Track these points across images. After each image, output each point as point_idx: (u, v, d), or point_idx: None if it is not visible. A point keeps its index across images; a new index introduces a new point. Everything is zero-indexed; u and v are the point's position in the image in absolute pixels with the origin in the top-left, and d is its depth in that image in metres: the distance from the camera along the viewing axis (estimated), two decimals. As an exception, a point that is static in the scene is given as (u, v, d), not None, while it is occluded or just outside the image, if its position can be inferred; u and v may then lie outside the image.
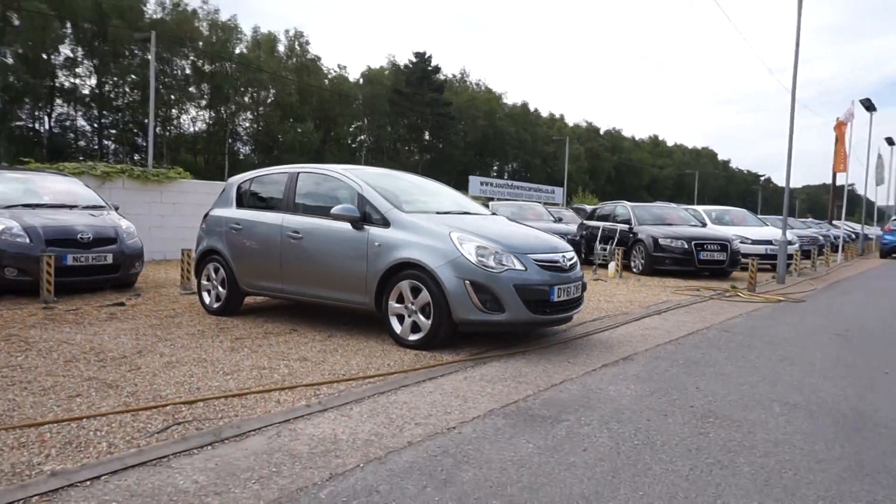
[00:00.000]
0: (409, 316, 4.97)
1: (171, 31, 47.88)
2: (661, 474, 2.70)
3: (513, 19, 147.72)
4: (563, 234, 10.32)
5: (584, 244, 13.87)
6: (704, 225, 13.57)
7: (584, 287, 5.52)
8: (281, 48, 61.27)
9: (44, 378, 3.84)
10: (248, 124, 60.20)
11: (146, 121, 49.42)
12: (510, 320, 4.79)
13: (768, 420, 3.49)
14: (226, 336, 5.29)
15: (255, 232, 6.08)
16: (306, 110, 59.55)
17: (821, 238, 19.65)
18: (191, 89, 55.21)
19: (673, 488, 2.56)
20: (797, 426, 3.40)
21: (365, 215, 5.29)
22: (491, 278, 4.73)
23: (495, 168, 78.30)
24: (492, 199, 24.36)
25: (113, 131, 53.29)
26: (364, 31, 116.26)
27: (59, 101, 49.94)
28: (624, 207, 13.90)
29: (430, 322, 4.84)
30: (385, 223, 5.18)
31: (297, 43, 61.53)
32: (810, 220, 30.25)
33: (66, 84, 49.55)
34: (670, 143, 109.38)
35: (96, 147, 52.10)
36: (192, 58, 54.11)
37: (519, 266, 4.87)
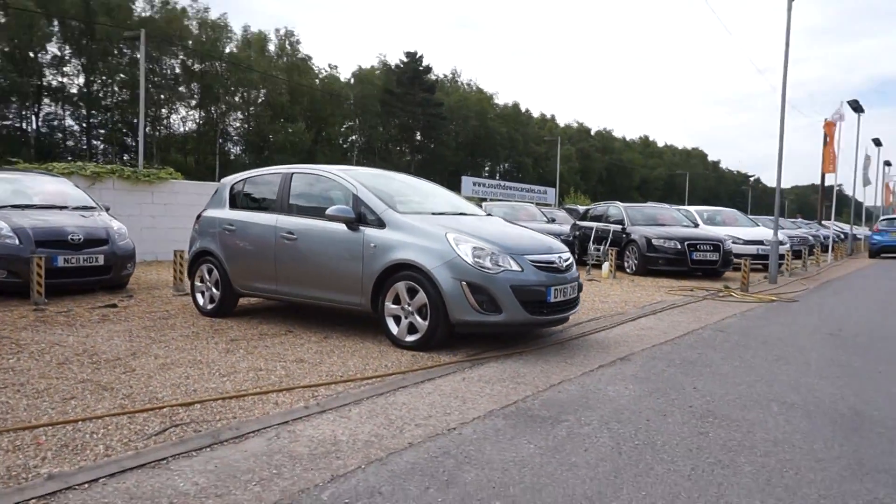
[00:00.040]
0: (406, 317, 4.96)
1: (159, 30, 47.53)
2: (663, 474, 2.70)
3: (504, 19, 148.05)
4: (556, 235, 10.30)
5: (577, 245, 13.90)
6: (696, 225, 13.64)
7: (580, 288, 5.52)
8: (271, 47, 61.02)
9: (37, 380, 3.79)
10: (238, 124, 59.90)
11: (135, 120, 49.10)
12: (507, 321, 4.78)
13: (767, 420, 3.50)
14: (221, 337, 5.25)
15: (249, 233, 6.03)
16: (297, 110, 59.32)
17: (811, 238, 19.81)
18: (180, 89, 54.83)
19: (675, 488, 2.56)
20: (796, 425, 3.41)
21: (360, 216, 5.27)
22: (487, 279, 4.72)
23: (487, 168, 78.34)
24: (484, 200, 24.35)
25: (102, 131, 52.83)
26: (355, 30, 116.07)
27: (46, 100, 49.46)
28: (616, 208, 13.95)
29: (426, 323, 4.83)
30: (380, 224, 5.16)
31: (287, 42, 61.31)
32: (800, 220, 30.48)
33: (54, 83, 49.11)
34: (661, 144, 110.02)
35: (85, 147, 51.63)
36: (181, 57, 53.75)
37: (515, 267, 4.86)
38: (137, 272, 9.04)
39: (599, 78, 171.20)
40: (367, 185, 5.49)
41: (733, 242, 12.94)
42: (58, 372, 4.01)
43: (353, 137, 68.11)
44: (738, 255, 12.56)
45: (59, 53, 48.58)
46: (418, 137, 69.62)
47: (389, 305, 5.04)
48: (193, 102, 56.40)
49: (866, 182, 25.36)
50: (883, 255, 22.00)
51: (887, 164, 37.72)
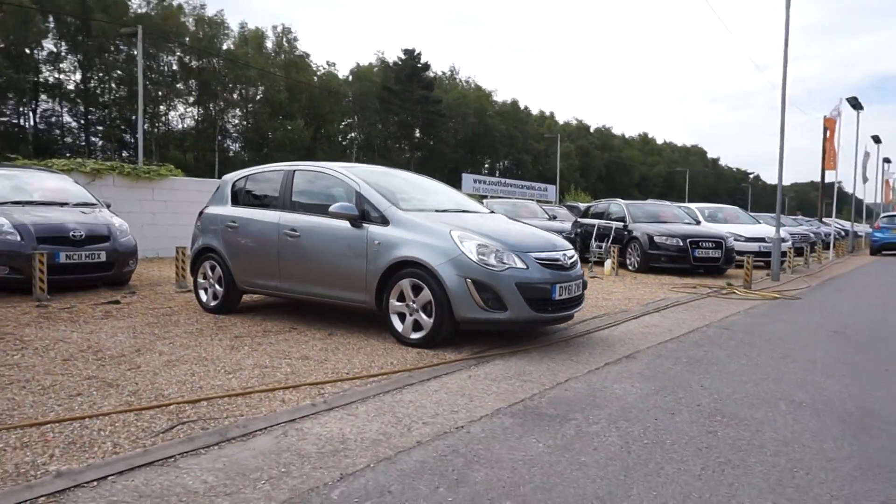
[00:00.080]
0: (411, 314, 4.94)
1: (156, 27, 47.40)
2: (673, 474, 2.68)
3: (502, 16, 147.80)
4: (558, 232, 10.30)
5: (578, 242, 13.89)
6: (698, 223, 13.64)
7: (584, 285, 5.51)
8: (269, 44, 60.88)
9: (42, 377, 3.77)
10: (237, 121, 59.80)
11: (133, 117, 48.99)
12: (512, 319, 4.76)
13: (775, 418, 3.49)
14: (225, 334, 5.23)
15: (252, 230, 6.01)
16: (295, 107, 59.22)
17: (812, 235, 19.82)
18: (178, 86, 54.73)
19: (686, 488, 2.55)
20: (805, 424, 3.40)
21: (363, 213, 5.25)
22: (493, 277, 4.71)
23: (486, 166, 78.33)
24: (485, 197, 24.35)
25: (100, 128, 52.73)
26: (352, 27, 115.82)
27: (43, 96, 49.33)
28: (618, 205, 13.93)
29: (431, 320, 4.81)
30: (384, 221, 5.14)
31: (285, 39, 61.17)
32: (800, 217, 30.50)
33: (51, 79, 48.97)
34: (660, 141, 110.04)
35: (83, 144, 51.52)
36: (178, 54, 53.61)
37: (520, 264, 4.84)
38: (139, 269, 9.02)
39: (599, 75, 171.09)
40: (371, 183, 5.47)
41: (735, 240, 12.94)
42: (63, 368, 3.99)
43: (352, 135, 68.04)
44: (741, 253, 12.56)
45: (55, 50, 48.44)
46: (417, 135, 69.54)
47: (394, 303, 5.02)
48: (191, 99, 56.31)
49: (865, 179, 25.38)
50: (884, 252, 22.03)
51: (887, 160, 37.74)
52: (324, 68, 65.83)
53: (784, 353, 5.21)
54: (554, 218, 15.72)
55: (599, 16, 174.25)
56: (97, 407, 3.26)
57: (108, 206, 8.51)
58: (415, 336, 4.91)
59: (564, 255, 5.25)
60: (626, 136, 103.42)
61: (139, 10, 50.27)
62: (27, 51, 45.87)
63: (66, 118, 51.82)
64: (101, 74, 50.88)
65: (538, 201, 21.97)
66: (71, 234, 7.15)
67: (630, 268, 12.45)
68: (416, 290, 4.89)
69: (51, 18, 46.46)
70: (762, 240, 13.76)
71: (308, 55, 63.00)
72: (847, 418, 3.54)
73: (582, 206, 20.73)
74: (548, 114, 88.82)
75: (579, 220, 15.28)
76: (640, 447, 2.98)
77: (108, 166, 11.67)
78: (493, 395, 3.72)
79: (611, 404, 3.65)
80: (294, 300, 6.38)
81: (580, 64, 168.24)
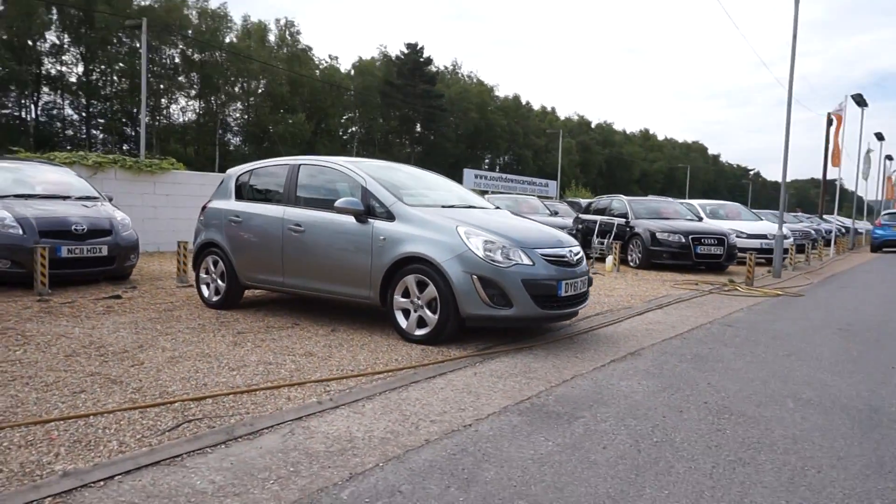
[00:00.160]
0: (416, 311, 4.91)
1: (159, 19, 47.22)
2: (684, 473, 2.66)
3: (505, 11, 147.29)
4: (559, 228, 10.27)
5: (579, 238, 13.85)
6: (700, 219, 13.59)
7: (590, 282, 5.49)
8: (272, 38, 60.69)
9: (45, 373, 3.75)
10: (238, 115, 59.66)
11: (135, 110, 48.94)
12: (518, 315, 4.73)
13: (784, 416, 3.47)
14: (227, 330, 5.21)
15: (256, 224, 5.98)
16: (297, 101, 59.06)
17: (813, 232, 19.78)
18: (180, 78, 54.57)
19: (698, 487, 2.53)
20: (813, 422, 3.38)
21: (369, 209, 5.21)
22: (499, 273, 4.68)
23: (487, 161, 78.19)
24: (486, 192, 24.29)
25: (101, 120, 52.60)
26: (355, 21, 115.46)
27: (45, 88, 49.21)
28: (620, 201, 13.89)
29: (436, 317, 4.78)
30: (390, 217, 5.11)
31: (287, 33, 60.96)
32: (801, 214, 30.46)
33: (53, 72, 48.83)
34: (661, 137, 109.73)
35: (84, 136, 51.42)
36: (181, 46, 53.44)
37: (526, 261, 4.81)
38: (140, 263, 8.99)
39: (600, 71, 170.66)
40: (376, 178, 5.43)
41: (737, 236, 12.91)
42: (66, 364, 3.96)
43: (354, 129, 67.87)
44: (742, 250, 12.53)
45: (57, 42, 48.30)
46: (418, 129, 69.41)
47: (398, 299, 4.99)
48: (193, 92, 56.17)
49: (866, 174, 25.32)
50: (885, 249, 21.99)
51: (889, 158, 37.70)
52: (326, 62, 65.71)
53: (789, 351, 5.19)
54: (555, 214, 15.66)
55: (601, 12, 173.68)
56: (101, 404, 3.24)
57: (110, 200, 8.47)
58: (419, 333, 4.89)
59: (570, 251, 5.22)
60: (627, 131, 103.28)
61: (143, 3, 50.07)
62: (30, 42, 45.72)
63: (68, 111, 51.74)
64: (103, 67, 50.76)
65: (539, 197, 21.91)
66: (73, 227, 7.11)
67: (631, 264, 12.42)
68: (422, 286, 4.86)
69: (54, 10, 46.29)
70: (764, 237, 13.72)
71: (310, 49, 62.87)
72: (856, 416, 3.52)
73: (583, 202, 20.68)
74: (549, 109, 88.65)
75: (581, 216, 15.23)
76: (649, 445, 2.95)
77: (110, 159, 11.61)
78: (499, 393, 3.69)
79: (618, 402, 3.63)
80: (297, 296, 6.35)
81: (582, 60, 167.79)
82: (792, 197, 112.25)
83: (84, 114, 51.69)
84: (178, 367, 4.01)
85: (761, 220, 15.56)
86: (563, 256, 5.10)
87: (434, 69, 69.76)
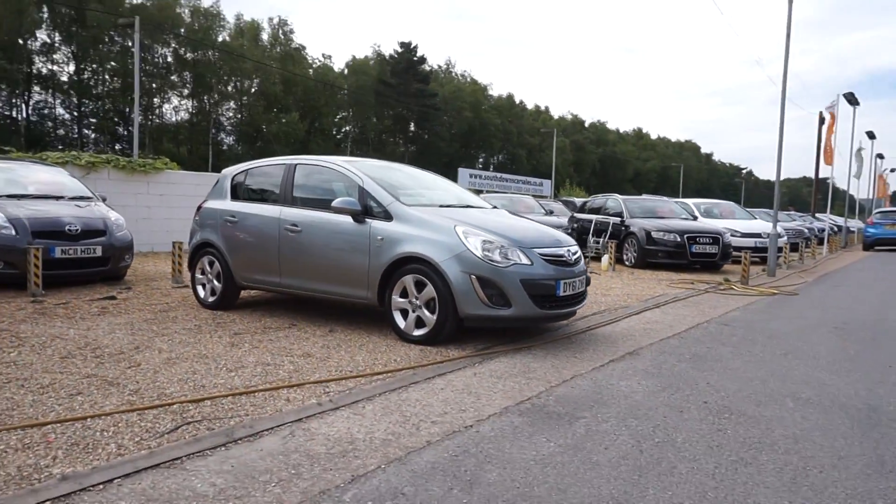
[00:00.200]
0: (414, 311, 4.89)
1: (151, 17, 46.94)
2: (686, 473, 2.66)
3: (498, 10, 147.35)
4: (555, 228, 10.28)
5: (575, 237, 13.86)
6: (695, 218, 13.63)
7: (588, 281, 5.48)
8: (265, 36, 60.49)
9: (41, 375, 3.71)
10: (231, 114, 59.43)
11: (127, 109, 48.63)
12: (517, 315, 4.72)
13: (784, 416, 3.47)
14: (224, 331, 5.17)
15: (252, 225, 5.94)
16: (291, 100, 58.89)
17: (806, 231, 19.87)
18: (173, 78, 54.31)
19: (701, 488, 2.52)
20: (813, 422, 3.39)
21: (366, 208, 5.19)
22: (497, 273, 4.66)
23: (481, 160, 78.22)
24: (481, 192, 24.29)
25: (93, 120, 52.28)
26: (349, 20, 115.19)
27: (36, 87, 48.87)
28: (615, 200, 13.91)
29: (435, 317, 4.76)
30: (387, 216, 5.08)
31: (280, 31, 60.84)
32: (793, 212, 30.61)
33: (44, 70, 48.49)
34: (654, 136, 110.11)
35: (76, 136, 51.11)
36: (173, 45, 53.17)
37: (525, 260, 4.80)
38: (134, 264, 8.92)
39: (594, 70, 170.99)
40: (373, 177, 5.41)
41: (731, 235, 12.95)
42: (61, 366, 3.92)
43: (347, 128, 67.77)
44: (737, 249, 12.58)
45: (48, 40, 47.96)
46: (412, 128, 69.37)
47: (397, 299, 4.97)
48: (186, 92, 55.91)
49: (858, 173, 25.46)
50: (877, 247, 22.13)
51: (880, 156, 37.94)
52: (319, 61, 65.58)
53: (787, 350, 5.20)
54: (551, 213, 15.68)
55: (595, 10, 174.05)
56: (99, 406, 3.20)
57: (104, 200, 8.42)
58: (417, 333, 4.87)
59: (568, 251, 5.21)
60: (621, 130, 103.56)
61: (134, 1, 49.76)
62: (20, 41, 45.37)
63: (59, 110, 51.43)
64: (94, 66, 50.44)
65: (534, 196, 21.92)
66: (66, 228, 7.06)
67: (627, 263, 12.44)
68: (420, 286, 4.85)
69: (45, 8, 45.95)
70: (758, 235, 13.78)
71: (304, 48, 62.79)
72: (855, 415, 3.53)
73: (578, 201, 20.71)
74: (543, 108, 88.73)
75: (576, 215, 15.25)
76: (651, 446, 2.95)
77: (103, 159, 11.53)
78: (499, 394, 3.68)
79: (618, 402, 3.62)
80: (294, 296, 6.32)
81: (575, 58, 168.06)
82: (784, 195, 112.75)
83: (76, 113, 51.38)
84: (175, 368, 3.97)
85: (755, 218, 15.62)
86: (562, 256, 5.09)
87: (428, 68, 69.75)
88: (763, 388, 4.01)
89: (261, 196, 6.18)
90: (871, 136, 32.15)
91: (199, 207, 6.59)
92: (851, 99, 24.01)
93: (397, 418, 3.19)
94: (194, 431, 2.90)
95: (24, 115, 49.16)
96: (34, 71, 47.67)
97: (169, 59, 53.81)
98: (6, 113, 48.09)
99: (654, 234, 11.93)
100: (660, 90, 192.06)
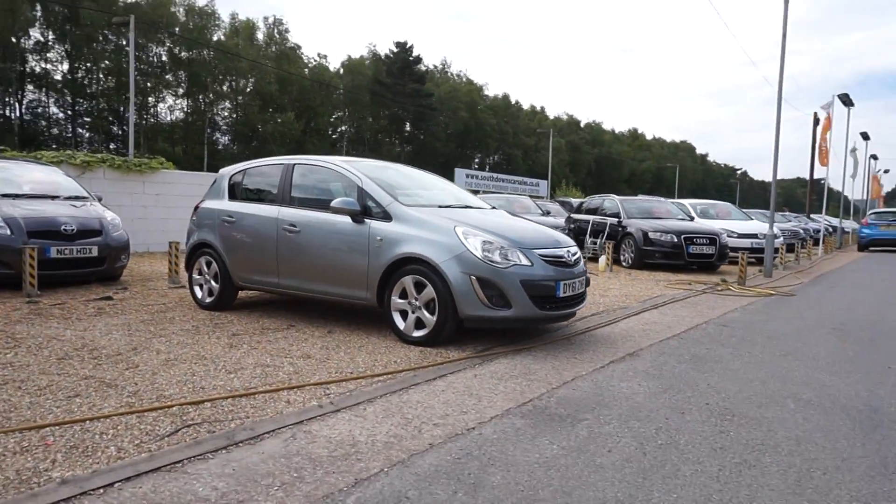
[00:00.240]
0: (413, 312, 4.87)
1: (146, 16, 46.70)
2: (690, 476, 2.65)
3: (494, 10, 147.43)
4: (552, 228, 10.27)
5: (572, 238, 13.85)
6: (692, 219, 13.65)
7: (587, 282, 5.47)
8: (260, 36, 60.29)
9: (38, 377, 3.67)
10: (226, 114, 59.20)
11: (122, 108, 48.40)
12: (517, 316, 4.71)
13: (785, 417, 3.47)
14: (222, 332, 5.14)
15: (250, 225, 5.91)
16: (286, 100, 58.72)
17: (801, 231, 19.94)
18: (167, 77, 54.06)
19: (706, 490, 2.51)
20: (815, 423, 3.38)
21: (365, 209, 5.17)
22: (497, 274, 4.65)
23: (477, 160, 78.21)
24: (478, 192, 24.28)
25: (87, 119, 52.00)
26: (344, 20, 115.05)
27: (30, 86, 48.55)
28: (612, 201, 13.92)
29: (434, 318, 4.74)
30: (386, 217, 5.06)
31: (276, 31, 60.62)
32: (788, 213, 30.71)
33: (37, 69, 48.20)
34: (649, 137, 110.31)
35: (70, 135, 50.83)
36: (168, 44, 52.94)
37: (525, 261, 4.79)
38: (130, 264, 8.86)
39: (590, 70, 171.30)
40: (372, 177, 5.38)
41: (728, 236, 12.98)
42: (58, 368, 3.89)
43: (343, 128, 67.60)
44: (733, 249, 12.60)
45: (42, 39, 47.67)
46: (408, 128, 69.28)
47: (396, 300, 4.95)
48: (181, 91, 55.65)
49: (855, 173, 25.57)
50: (872, 248, 22.23)
51: (874, 157, 38.14)
52: (315, 61, 65.40)
53: (786, 351, 5.21)
54: (547, 213, 15.68)
55: (590, 10, 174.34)
56: (97, 409, 3.17)
57: (100, 200, 8.36)
58: (417, 334, 4.85)
59: (568, 251, 5.20)
60: (616, 131, 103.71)
61: (129, 0, 49.51)
62: (13, 39, 45.08)
63: (53, 109, 51.09)
64: (88, 65, 50.15)
65: (530, 196, 21.93)
66: (62, 228, 7.01)
67: (624, 264, 12.45)
68: (419, 287, 4.83)
69: (38, 6, 45.68)
70: (755, 236, 13.81)
71: (299, 47, 62.56)
72: (856, 417, 3.53)
73: (574, 201, 20.72)
74: (538, 108, 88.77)
75: (573, 215, 15.26)
76: (654, 448, 2.94)
77: (98, 158, 11.47)
78: (500, 395, 3.67)
79: (620, 404, 3.61)
80: (292, 297, 6.29)
81: (571, 59, 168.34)
82: (778, 196, 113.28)
83: (70, 112, 51.10)
84: (173, 369, 3.94)
85: (752, 219, 15.65)
86: (561, 257, 5.08)
87: (423, 68, 69.64)
88: (764, 390, 4.01)
89: (259, 196, 6.15)
90: (865, 136, 32.30)
91: (197, 207, 6.55)
92: (846, 100, 24.10)
93: (399, 420, 3.17)
94: (195, 434, 2.87)
95: (18, 113, 48.86)
96: (27, 69, 47.37)
97: (164, 58, 53.56)
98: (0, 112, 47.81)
99: (651, 235, 11.95)
100: (655, 90, 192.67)
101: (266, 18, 67.69)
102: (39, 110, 50.51)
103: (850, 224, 33.77)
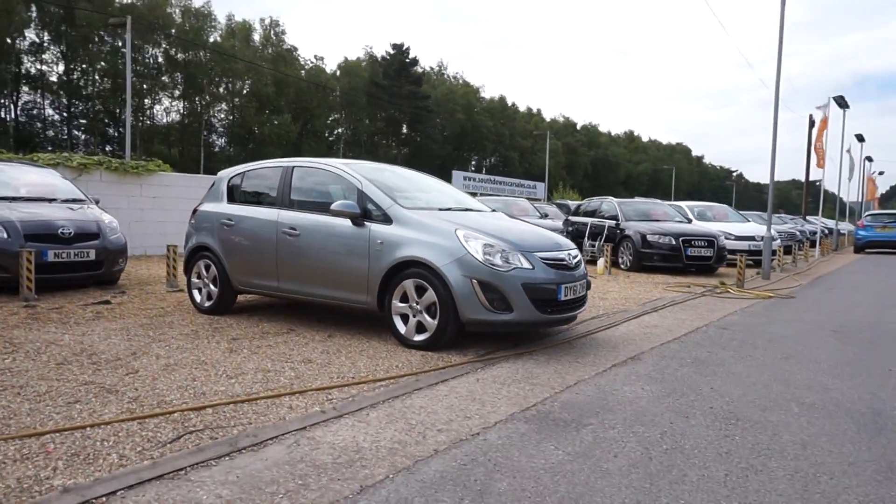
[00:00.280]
0: (414, 316, 4.85)
1: (142, 17, 46.63)
2: (697, 481, 2.63)
3: (491, 12, 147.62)
4: (551, 231, 10.26)
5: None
6: (690, 221, 13.66)
7: (588, 285, 5.46)
8: (256, 37, 60.25)
9: (37, 382, 3.64)
10: (223, 116, 59.11)
11: (118, 110, 48.26)
12: (518, 320, 4.69)
13: (790, 421, 3.46)
14: (222, 336, 5.11)
15: (249, 228, 5.88)
16: (283, 102, 58.67)
17: (798, 233, 19.99)
18: (164, 78, 53.96)
19: (713, 495, 2.50)
20: (820, 427, 3.37)
21: (365, 212, 5.14)
22: (499, 277, 4.63)
23: (473, 162, 78.27)
24: (475, 195, 24.28)
25: (83, 121, 51.84)
26: (341, 22, 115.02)
27: (25, 88, 48.41)
28: (610, 203, 13.92)
29: (436, 322, 4.72)
30: (387, 220, 5.04)
31: (272, 32, 60.61)
32: (784, 215, 30.79)
33: (33, 70, 48.04)
34: (645, 139, 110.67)
35: (65, 137, 50.66)
36: (164, 45, 52.84)
37: (526, 265, 4.77)
38: (127, 267, 8.82)
39: (586, 72, 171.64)
40: (372, 180, 5.36)
41: (726, 238, 12.99)
42: (57, 373, 3.85)
43: (340, 130, 67.61)
44: (731, 252, 12.62)
45: (37, 40, 47.52)
46: (405, 130, 69.28)
47: (397, 304, 4.92)
48: (177, 93, 55.57)
49: (851, 174, 25.66)
50: (868, 249, 22.29)
51: (869, 159, 38.27)
52: (311, 62, 65.39)
53: (787, 354, 5.20)
54: (545, 216, 15.67)
55: (587, 13, 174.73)
56: (98, 415, 3.14)
57: (97, 202, 8.32)
58: (418, 338, 4.82)
59: (569, 254, 5.19)
60: (613, 133, 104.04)
61: (125, 1, 49.38)
62: (8, 40, 44.92)
63: (49, 111, 50.95)
64: (84, 66, 50.03)
65: (528, 199, 21.95)
66: (59, 231, 6.96)
67: (622, 266, 12.45)
68: (420, 290, 4.80)
69: (33, 7, 45.53)
70: (752, 238, 13.82)
71: (296, 49, 62.55)
72: (860, 420, 3.52)
73: (571, 204, 20.73)
74: (535, 111, 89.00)
75: (570, 218, 15.26)
76: (660, 453, 2.92)
77: (95, 161, 11.41)
78: (504, 400, 3.65)
79: (624, 408, 3.59)
80: (292, 301, 6.26)
81: (567, 61, 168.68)
82: (774, 198, 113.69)
83: (65, 114, 50.94)
84: (174, 375, 3.91)
85: (749, 221, 15.68)
86: (562, 260, 5.07)
87: (420, 70, 69.73)
88: (767, 393, 4.00)
89: (258, 199, 6.12)
90: (860, 138, 32.39)
91: (195, 210, 6.51)
92: (841, 102, 24.20)
93: (402, 426, 3.15)
94: (197, 441, 2.84)
95: (13, 115, 48.69)
96: (23, 71, 47.22)
97: (160, 59, 53.48)
98: (-6, 114, 47.65)
99: (649, 238, 11.95)
100: (651, 93, 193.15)
101: (262, 20, 67.56)
102: (35, 112, 50.37)
103: (845, 226, 33.90)
